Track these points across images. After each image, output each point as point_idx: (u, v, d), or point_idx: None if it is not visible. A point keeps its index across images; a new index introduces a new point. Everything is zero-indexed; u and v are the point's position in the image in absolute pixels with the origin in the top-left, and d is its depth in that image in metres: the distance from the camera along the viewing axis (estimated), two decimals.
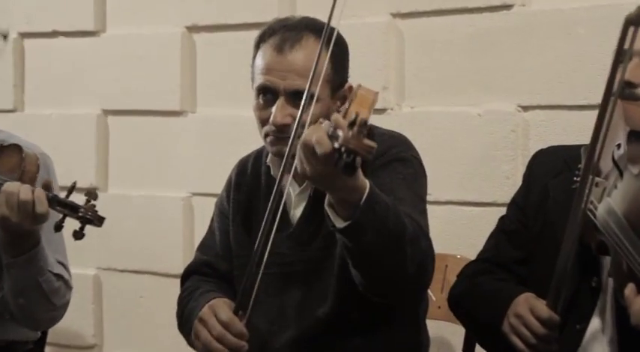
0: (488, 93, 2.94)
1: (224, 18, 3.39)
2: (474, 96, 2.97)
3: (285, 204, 2.11)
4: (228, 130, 3.38)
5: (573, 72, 2.81)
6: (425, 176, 2.21)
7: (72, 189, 2.28)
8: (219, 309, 2.07)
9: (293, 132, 1.95)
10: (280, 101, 2.11)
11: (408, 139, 2.24)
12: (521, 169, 2.68)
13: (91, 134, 3.64)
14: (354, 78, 2.89)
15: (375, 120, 2.98)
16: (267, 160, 2.28)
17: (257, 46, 2.19)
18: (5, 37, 3.71)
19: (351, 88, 2.16)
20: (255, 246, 1.97)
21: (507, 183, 2.90)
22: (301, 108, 1.95)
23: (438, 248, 2.65)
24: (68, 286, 2.45)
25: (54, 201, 2.22)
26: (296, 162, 1.78)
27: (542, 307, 1.89)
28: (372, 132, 2.18)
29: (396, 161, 2.13)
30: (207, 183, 3.40)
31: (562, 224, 1.85)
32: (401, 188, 2.05)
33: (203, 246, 2.40)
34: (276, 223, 1.95)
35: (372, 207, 1.80)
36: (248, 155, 2.42)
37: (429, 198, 2.20)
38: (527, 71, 2.89)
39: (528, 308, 1.91)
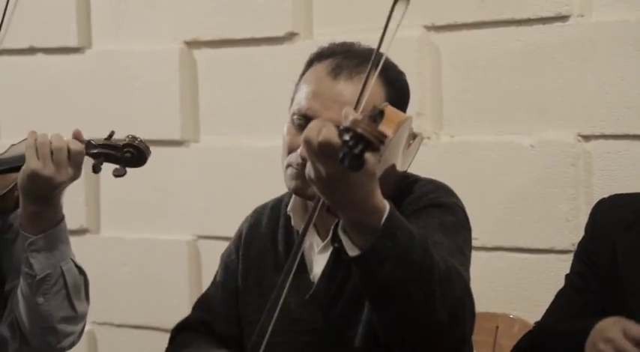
0: (543, 121, 2.92)
1: (230, 32, 3.38)
2: (525, 124, 2.95)
3: (304, 261, 2.12)
4: (237, 162, 3.38)
5: None
6: (469, 229, 2.13)
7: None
8: None
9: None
10: None
11: (451, 188, 2.18)
12: (584, 209, 2.79)
13: None
14: None
15: None
16: (288, 209, 2.23)
17: (310, 63, 2.18)
18: None
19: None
20: (267, 311, 1.91)
21: (567, 226, 2.87)
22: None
23: (487, 305, 2.73)
24: (86, 286, 2.42)
25: (89, 146, 2.29)
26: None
27: (637, 328, 1.90)
28: (408, 177, 2.13)
29: (433, 206, 2.08)
30: (215, 223, 3.39)
31: (636, 288, 1.92)
32: (437, 233, 1.98)
33: (202, 302, 2.39)
34: (288, 281, 1.88)
35: (392, 233, 1.74)
36: (264, 205, 2.38)
37: (473, 243, 2.15)
38: (588, 94, 2.86)
39: (621, 330, 1.92)
